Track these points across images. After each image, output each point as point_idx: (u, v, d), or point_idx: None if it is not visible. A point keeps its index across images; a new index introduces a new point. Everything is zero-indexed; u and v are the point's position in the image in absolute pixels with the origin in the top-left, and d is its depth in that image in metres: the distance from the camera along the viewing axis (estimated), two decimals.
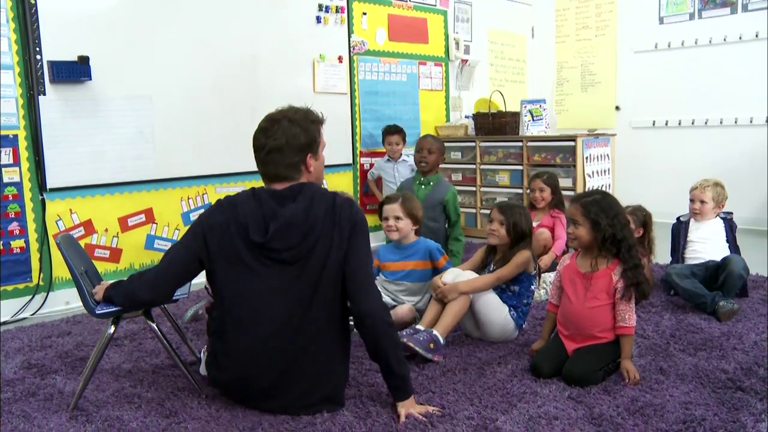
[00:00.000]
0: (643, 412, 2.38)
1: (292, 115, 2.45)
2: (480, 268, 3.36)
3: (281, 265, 2.35)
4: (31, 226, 3.89)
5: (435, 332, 3.00)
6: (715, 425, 2.25)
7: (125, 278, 2.52)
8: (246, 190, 2.47)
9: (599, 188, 3.49)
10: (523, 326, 3.28)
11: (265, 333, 2.33)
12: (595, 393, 2.55)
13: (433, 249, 3.51)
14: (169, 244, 4.44)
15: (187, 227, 2.56)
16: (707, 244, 3.84)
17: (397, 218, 3.45)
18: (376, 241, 5.42)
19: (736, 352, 2.91)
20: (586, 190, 3.12)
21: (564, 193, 5.32)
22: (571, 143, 5.41)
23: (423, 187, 4.55)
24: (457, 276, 3.17)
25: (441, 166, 6.18)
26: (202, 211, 4.28)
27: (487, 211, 5.90)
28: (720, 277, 3.61)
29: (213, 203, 2.50)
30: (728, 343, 3.02)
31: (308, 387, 2.36)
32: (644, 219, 3.89)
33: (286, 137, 2.41)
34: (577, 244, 2.79)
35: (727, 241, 3.86)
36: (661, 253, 4.10)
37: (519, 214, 3.21)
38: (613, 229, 2.69)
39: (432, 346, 2.94)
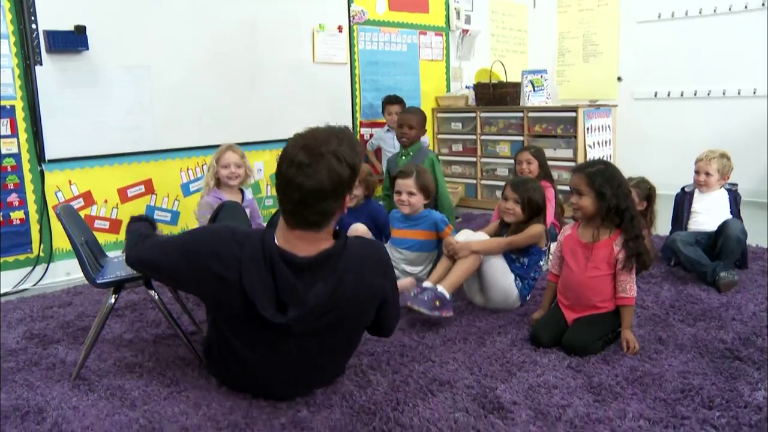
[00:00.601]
0: (641, 381, 2.40)
1: (337, 147, 1.95)
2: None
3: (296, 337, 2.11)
4: (31, 198, 3.88)
5: (441, 289, 3.02)
6: (712, 394, 2.27)
7: (145, 230, 2.53)
8: (254, 239, 2.05)
9: (600, 159, 3.46)
10: (527, 298, 3.30)
11: (274, 364, 2.20)
12: (594, 362, 2.57)
13: (439, 220, 3.51)
14: (169, 215, 4.46)
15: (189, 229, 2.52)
16: (711, 215, 3.82)
17: (411, 194, 3.47)
18: None
19: (734, 322, 2.93)
20: (587, 160, 3.10)
21: (564, 164, 5.33)
22: (573, 114, 5.38)
23: (404, 158, 4.57)
24: (468, 237, 3.22)
25: (440, 137, 6.17)
26: (201, 183, 4.31)
27: (488, 182, 5.95)
28: (718, 243, 3.61)
29: (221, 229, 2.25)
30: (727, 313, 3.04)
31: (318, 382, 2.36)
32: (648, 192, 3.87)
33: (331, 179, 1.94)
34: (581, 214, 2.78)
35: (731, 212, 3.84)
36: (663, 226, 4.09)
37: (532, 189, 3.21)
38: (617, 200, 2.68)
39: (438, 303, 2.96)
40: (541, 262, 3.31)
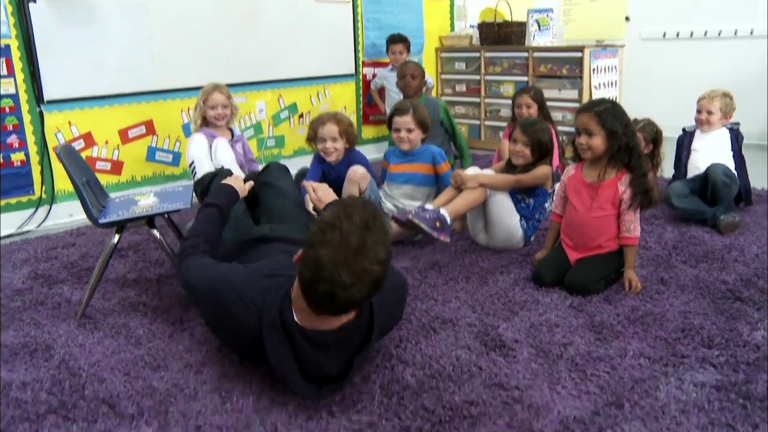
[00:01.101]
0: (642, 320, 2.41)
1: (376, 251, 1.71)
2: None
3: None
4: (30, 139, 3.85)
5: (443, 211, 3.03)
6: (712, 333, 2.29)
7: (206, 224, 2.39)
8: (272, 312, 1.86)
9: (604, 98, 3.39)
10: (531, 240, 3.30)
11: None
12: (596, 302, 2.58)
13: (436, 154, 3.51)
14: (170, 156, 4.43)
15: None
16: (711, 154, 3.76)
17: (409, 130, 3.46)
18: (378, 152, 5.40)
19: (737, 264, 2.93)
20: (591, 100, 3.05)
21: (569, 105, 5.26)
22: (578, 54, 5.28)
23: None
24: (476, 172, 3.21)
25: (444, 77, 6.08)
26: None
27: (492, 123, 5.89)
28: (708, 190, 3.59)
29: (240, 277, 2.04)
30: (729, 255, 3.04)
31: None
32: (655, 135, 3.82)
33: (375, 287, 1.76)
34: (590, 154, 2.73)
35: (732, 152, 3.79)
36: (669, 168, 4.05)
37: (542, 130, 3.17)
38: (626, 138, 2.66)
39: (438, 224, 2.97)
40: (546, 204, 3.30)
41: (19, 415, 1.90)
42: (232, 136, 3.78)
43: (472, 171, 3.23)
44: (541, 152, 3.17)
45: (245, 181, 2.78)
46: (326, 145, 3.48)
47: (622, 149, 2.66)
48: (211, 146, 3.59)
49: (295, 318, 1.84)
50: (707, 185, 3.60)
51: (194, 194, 2.94)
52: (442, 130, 4.50)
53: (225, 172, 3.07)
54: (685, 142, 3.91)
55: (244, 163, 3.79)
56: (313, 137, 3.55)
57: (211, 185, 3.00)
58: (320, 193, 2.59)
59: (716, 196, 3.53)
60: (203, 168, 3.45)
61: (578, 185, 2.82)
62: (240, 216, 2.73)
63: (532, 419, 1.83)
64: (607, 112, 2.66)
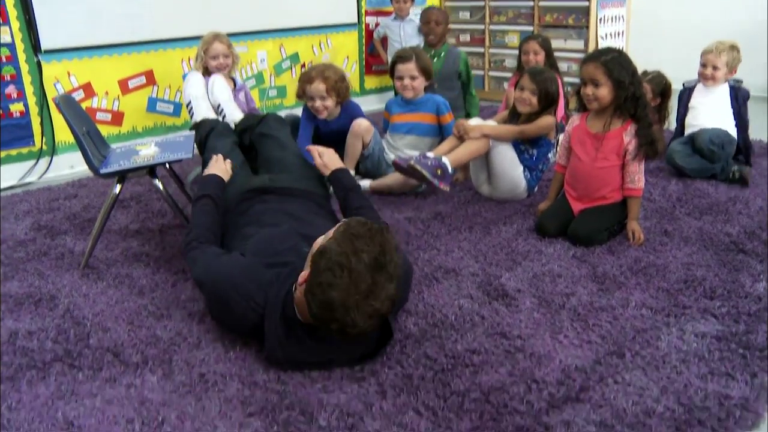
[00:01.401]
0: (645, 271, 2.41)
1: (387, 291, 1.70)
2: None
3: None
4: (29, 89, 3.81)
5: (444, 159, 3.02)
6: (714, 285, 2.29)
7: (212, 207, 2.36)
8: (275, 311, 1.85)
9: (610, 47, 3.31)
10: (534, 190, 3.28)
11: None
12: (599, 253, 2.58)
13: (441, 104, 3.47)
14: (171, 107, 4.39)
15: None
16: (709, 112, 3.63)
17: (413, 77, 3.41)
18: (380, 103, 5.34)
19: (741, 216, 2.92)
20: (597, 49, 2.99)
21: (574, 55, 5.18)
22: (585, 3, 5.17)
23: (435, 60, 4.45)
24: (480, 122, 3.18)
25: (448, 26, 5.96)
26: None
27: (496, 74, 5.81)
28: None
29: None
30: (734, 207, 3.02)
31: None
32: (663, 87, 3.75)
33: (381, 321, 1.78)
34: (596, 105, 2.69)
35: (732, 110, 3.63)
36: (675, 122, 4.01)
37: (550, 80, 3.12)
38: (633, 88, 2.61)
39: (439, 172, 2.96)
40: (550, 155, 3.27)
41: (26, 363, 1.91)
42: (235, 85, 3.74)
43: (475, 121, 3.19)
44: (548, 102, 3.13)
45: (243, 129, 2.75)
46: (315, 104, 3.39)
47: (629, 99, 2.63)
48: (207, 85, 3.55)
49: (299, 316, 1.83)
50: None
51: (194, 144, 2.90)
52: (459, 82, 4.44)
53: (216, 149, 2.86)
54: (683, 98, 3.80)
55: (247, 113, 3.75)
56: (301, 94, 3.45)
57: (208, 140, 2.98)
58: (326, 159, 2.56)
59: (712, 160, 3.46)
60: (200, 108, 3.43)
61: (583, 136, 2.79)
62: (238, 168, 2.71)
63: (534, 368, 1.84)
64: (614, 62, 2.61)
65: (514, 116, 3.26)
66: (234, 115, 3.42)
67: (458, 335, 2.02)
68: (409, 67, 3.40)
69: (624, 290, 2.28)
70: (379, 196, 3.32)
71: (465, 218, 3.01)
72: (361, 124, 3.38)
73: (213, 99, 3.49)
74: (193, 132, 3.12)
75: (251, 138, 3.02)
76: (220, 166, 2.54)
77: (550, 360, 1.87)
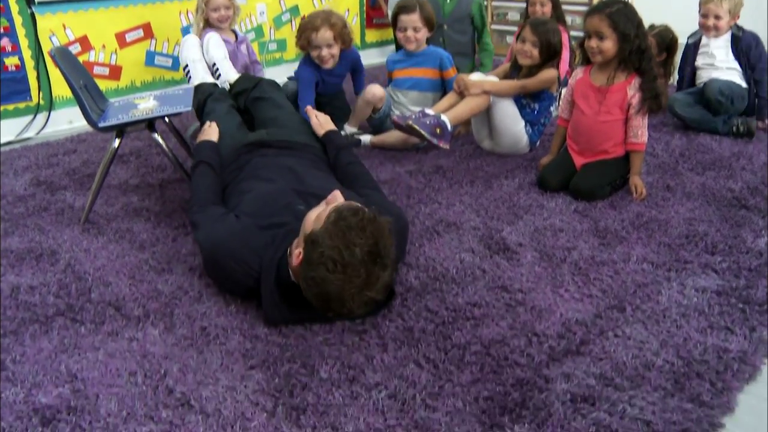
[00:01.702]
0: (647, 226, 2.41)
1: (383, 280, 1.72)
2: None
3: None
4: (24, 43, 3.74)
5: (444, 117, 2.97)
6: (716, 240, 2.29)
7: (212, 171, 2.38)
8: (269, 276, 1.85)
9: None
10: (536, 144, 3.25)
11: None
12: (601, 207, 2.58)
13: (444, 58, 3.40)
14: (170, 60, 4.33)
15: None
16: (718, 66, 3.50)
17: (416, 29, 3.32)
18: (382, 56, 5.27)
19: (744, 172, 2.90)
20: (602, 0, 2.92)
21: (578, 8, 5.08)
22: None
23: (448, 1, 4.30)
24: (482, 78, 3.13)
25: None
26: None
27: (499, 27, 5.71)
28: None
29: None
30: (737, 163, 3.00)
31: None
32: (670, 42, 3.67)
33: (377, 306, 1.84)
34: (600, 58, 2.65)
35: (737, 59, 3.47)
36: None
37: (552, 31, 3.05)
38: (639, 41, 2.57)
39: (438, 131, 2.92)
40: (552, 108, 3.23)
41: (29, 317, 1.92)
42: (236, 38, 3.68)
43: (476, 77, 3.14)
44: (549, 54, 3.07)
45: (238, 92, 2.72)
46: (322, 53, 3.28)
47: (634, 52, 2.59)
48: (202, 45, 3.49)
49: (294, 280, 1.83)
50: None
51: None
52: (471, 27, 4.31)
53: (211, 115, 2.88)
54: (689, 54, 3.66)
55: (249, 65, 3.70)
56: (306, 44, 3.32)
57: (206, 105, 2.96)
58: (321, 119, 2.67)
59: (720, 112, 3.40)
60: (197, 72, 3.37)
61: (586, 89, 2.75)
62: (234, 130, 2.71)
63: (535, 321, 1.85)
64: (619, 14, 2.56)
65: (515, 69, 3.21)
66: (229, 74, 3.35)
67: (459, 288, 2.02)
68: (413, 18, 3.31)
69: (625, 245, 2.28)
70: (380, 150, 3.30)
71: (466, 172, 2.99)
72: (375, 93, 3.31)
73: (208, 57, 3.42)
74: (192, 85, 3.08)
75: (246, 103, 3.01)
76: (213, 131, 2.58)
77: (550, 313, 1.88)
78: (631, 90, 2.64)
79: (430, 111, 3.01)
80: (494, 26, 5.73)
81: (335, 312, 1.72)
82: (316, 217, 1.77)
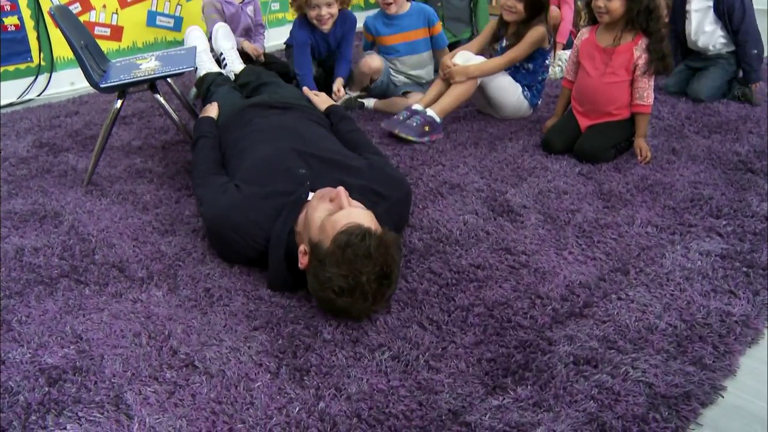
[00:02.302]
0: (652, 189, 2.40)
1: (393, 289, 1.72)
2: (492, 42, 3.18)
3: None
4: (23, 1, 3.70)
5: (430, 112, 2.92)
6: (721, 204, 2.27)
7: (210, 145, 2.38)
8: (278, 249, 1.85)
9: None
10: (538, 104, 3.22)
11: None
12: (606, 170, 2.56)
13: (430, 14, 3.30)
14: (172, 21, 4.28)
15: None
16: (707, 19, 3.27)
17: None
18: None
19: (751, 135, 2.87)
20: None
21: None
22: None
23: None
24: (468, 60, 3.01)
25: None
26: None
27: None
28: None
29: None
30: (744, 126, 2.97)
31: None
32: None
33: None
34: (608, 18, 2.61)
35: (719, 20, 3.23)
36: None
37: None
38: (647, 0, 2.54)
39: (427, 129, 2.88)
40: (547, 62, 3.14)
41: (34, 279, 1.93)
42: None
43: (461, 58, 3.01)
44: (535, 9, 2.92)
45: (242, 84, 2.80)
46: (321, 12, 3.11)
47: (642, 12, 2.54)
48: (210, 33, 3.44)
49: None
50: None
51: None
52: None
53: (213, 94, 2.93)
54: (677, 15, 3.41)
55: (252, 28, 3.65)
56: (303, 3, 3.15)
57: (209, 92, 2.96)
58: (322, 97, 2.78)
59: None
60: (203, 63, 3.27)
61: (592, 50, 2.72)
62: (235, 99, 2.74)
63: (538, 283, 1.85)
64: None
65: (502, 25, 3.09)
66: (235, 65, 3.29)
67: (463, 250, 2.02)
68: None
69: (630, 208, 2.27)
70: (383, 115, 3.27)
71: (470, 134, 2.97)
72: (371, 65, 3.24)
73: (216, 47, 3.35)
74: (194, 45, 3.04)
75: (249, 93, 3.00)
76: (212, 108, 2.61)
77: (554, 276, 1.88)
78: (638, 51, 2.60)
79: (417, 106, 2.95)
80: None
81: (348, 318, 1.72)
82: (321, 225, 1.71)
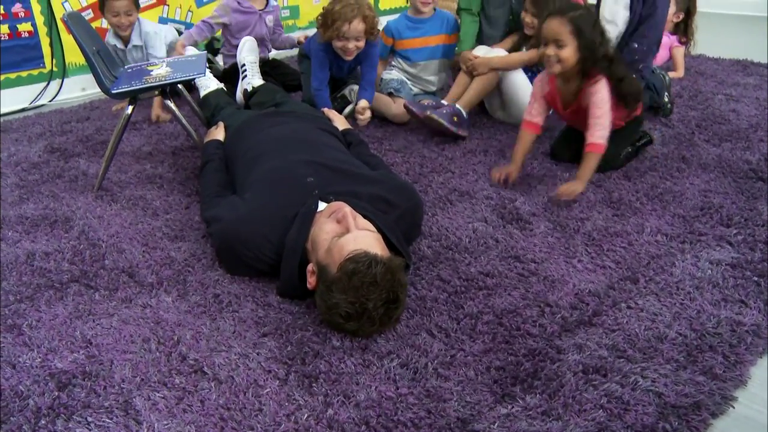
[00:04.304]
0: (661, 198, 2.39)
1: (400, 312, 1.71)
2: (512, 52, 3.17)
3: None
4: (36, 9, 3.73)
5: (458, 106, 2.96)
6: (731, 212, 2.26)
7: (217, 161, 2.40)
8: (291, 253, 1.84)
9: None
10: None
11: None
12: (615, 178, 2.55)
13: (453, 21, 3.31)
14: (183, 28, 4.29)
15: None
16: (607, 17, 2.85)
17: None
18: None
19: (762, 143, 2.86)
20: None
21: None
22: None
23: None
24: (487, 53, 3.06)
25: None
26: None
27: None
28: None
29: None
30: (755, 134, 2.96)
31: None
32: (688, 3, 3.58)
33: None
34: (560, 68, 2.35)
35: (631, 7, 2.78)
36: (702, 44, 3.83)
37: (552, 1, 2.77)
38: (603, 47, 2.34)
39: (456, 119, 2.91)
40: None
41: (44, 283, 1.94)
42: (265, 6, 3.63)
43: (482, 51, 3.06)
44: None
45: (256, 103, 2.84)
46: (348, 45, 3.01)
47: (600, 60, 2.34)
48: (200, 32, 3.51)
49: None
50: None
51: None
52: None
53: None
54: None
55: (267, 38, 3.65)
56: (334, 35, 3.00)
57: (215, 113, 2.89)
58: (339, 121, 2.69)
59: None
60: (202, 80, 3.17)
61: (556, 98, 2.53)
62: (244, 113, 2.76)
63: (547, 291, 1.84)
64: (583, 19, 2.30)
65: (524, 37, 3.06)
66: (254, 79, 3.24)
67: (472, 258, 2.02)
68: None
69: (639, 216, 2.26)
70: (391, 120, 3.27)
71: (480, 141, 2.97)
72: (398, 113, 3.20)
73: (240, 58, 3.31)
74: (204, 51, 3.06)
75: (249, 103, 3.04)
76: (219, 131, 2.60)
77: (563, 284, 1.88)
78: (598, 93, 2.37)
79: (444, 101, 2.98)
80: None
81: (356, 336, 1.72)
82: (328, 248, 1.71)
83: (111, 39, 3.40)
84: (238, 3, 3.51)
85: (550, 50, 2.32)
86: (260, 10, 3.58)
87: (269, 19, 3.64)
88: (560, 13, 2.31)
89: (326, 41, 3.07)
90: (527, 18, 2.97)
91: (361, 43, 3.05)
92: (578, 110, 2.46)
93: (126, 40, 3.39)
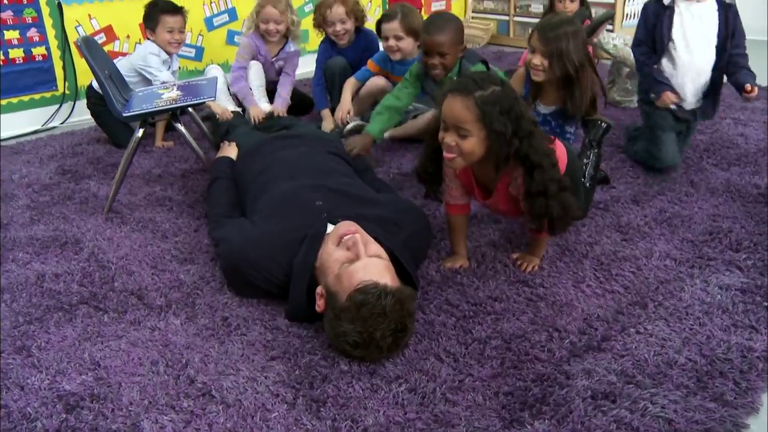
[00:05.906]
0: (670, 222, 2.38)
1: (408, 338, 1.71)
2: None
3: None
4: (51, 33, 3.78)
5: None
6: (740, 237, 2.25)
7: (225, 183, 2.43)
8: (300, 275, 1.85)
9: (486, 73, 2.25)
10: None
11: None
12: (624, 202, 2.55)
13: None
14: (193, 51, 4.35)
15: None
16: (696, 43, 2.73)
17: (398, 38, 3.13)
18: None
19: None
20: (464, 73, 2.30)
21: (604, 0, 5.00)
22: None
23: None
24: None
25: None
26: (225, 17, 4.18)
27: (521, 19, 5.66)
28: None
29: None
30: (764, 159, 2.95)
31: None
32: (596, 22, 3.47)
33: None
34: (461, 162, 1.86)
35: (720, 36, 2.70)
36: None
37: (566, 37, 2.29)
38: (521, 143, 1.80)
39: None
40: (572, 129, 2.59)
41: (53, 305, 1.95)
42: (280, 52, 3.63)
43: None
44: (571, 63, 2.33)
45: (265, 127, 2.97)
46: (336, 28, 3.45)
47: (515, 154, 1.82)
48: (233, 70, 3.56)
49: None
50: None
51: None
52: None
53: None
54: (663, 20, 2.71)
55: (274, 80, 3.67)
56: (321, 21, 3.50)
57: (228, 132, 2.99)
58: (326, 118, 2.96)
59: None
60: (221, 102, 3.45)
61: (472, 184, 2.06)
62: (255, 135, 2.83)
63: (556, 316, 1.84)
64: (493, 102, 1.75)
65: (533, 86, 2.49)
66: (261, 103, 3.46)
67: (480, 282, 2.02)
68: (393, 27, 3.11)
69: (648, 240, 2.26)
70: (400, 142, 3.28)
71: None
72: (377, 84, 3.32)
73: (248, 81, 3.51)
74: (215, 76, 3.09)
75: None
76: (230, 149, 2.65)
77: (572, 309, 1.87)
78: (514, 188, 1.94)
79: None
80: (516, 18, 5.67)
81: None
82: (337, 275, 1.70)
83: (153, 49, 3.33)
84: (257, 47, 3.55)
85: (450, 138, 1.81)
86: (273, 58, 3.62)
87: (279, 63, 3.66)
88: (464, 91, 1.77)
89: (323, 33, 3.58)
90: (535, 59, 2.37)
91: (348, 25, 3.47)
92: (504, 199, 2.00)
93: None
